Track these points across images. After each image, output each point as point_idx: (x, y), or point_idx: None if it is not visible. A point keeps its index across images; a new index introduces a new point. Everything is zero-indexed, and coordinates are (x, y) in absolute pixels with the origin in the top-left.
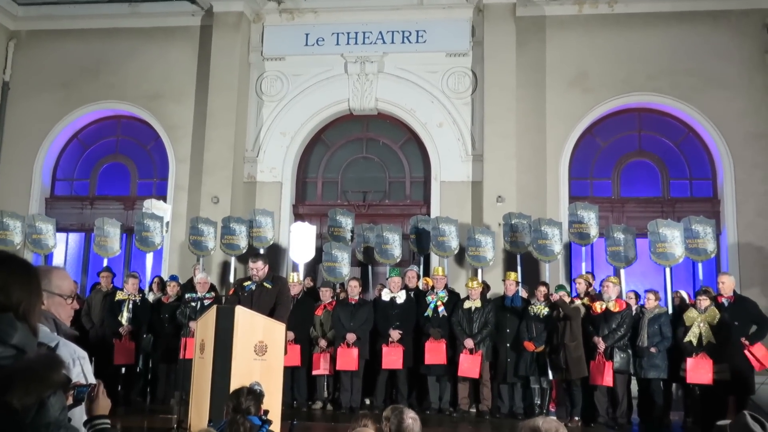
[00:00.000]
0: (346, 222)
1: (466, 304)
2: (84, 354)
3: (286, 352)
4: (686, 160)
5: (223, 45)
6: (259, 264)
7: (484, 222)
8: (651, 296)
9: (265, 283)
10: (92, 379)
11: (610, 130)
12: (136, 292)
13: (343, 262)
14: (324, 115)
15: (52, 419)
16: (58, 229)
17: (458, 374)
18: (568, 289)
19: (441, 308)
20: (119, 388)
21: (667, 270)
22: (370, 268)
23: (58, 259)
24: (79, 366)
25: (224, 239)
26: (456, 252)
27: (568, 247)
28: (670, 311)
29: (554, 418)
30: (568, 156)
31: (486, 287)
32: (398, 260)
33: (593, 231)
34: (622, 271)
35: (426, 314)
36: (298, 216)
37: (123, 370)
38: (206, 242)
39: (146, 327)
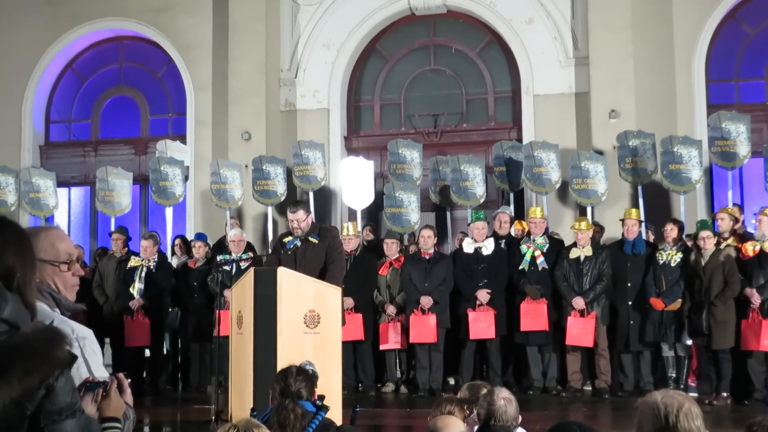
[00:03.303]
0: (412, 155)
1: (573, 253)
2: (86, 333)
3: (344, 323)
4: None
5: None
6: (300, 214)
7: (593, 146)
8: None
9: (310, 238)
10: (98, 359)
11: (762, 11)
12: (153, 257)
13: (410, 206)
14: (377, 18)
15: (63, 404)
16: (58, 184)
17: (566, 343)
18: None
19: (540, 260)
20: (144, 375)
21: None
22: (447, 212)
23: (60, 221)
24: (79, 348)
25: (257, 185)
26: (558, 186)
27: (708, 173)
28: None
29: (680, 392)
30: (704, 51)
31: (599, 230)
32: (482, 201)
33: (743, 149)
34: None
35: (521, 267)
36: (351, 150)
37: (147, 352)
38: (232, 190)
39: (169, 299)
